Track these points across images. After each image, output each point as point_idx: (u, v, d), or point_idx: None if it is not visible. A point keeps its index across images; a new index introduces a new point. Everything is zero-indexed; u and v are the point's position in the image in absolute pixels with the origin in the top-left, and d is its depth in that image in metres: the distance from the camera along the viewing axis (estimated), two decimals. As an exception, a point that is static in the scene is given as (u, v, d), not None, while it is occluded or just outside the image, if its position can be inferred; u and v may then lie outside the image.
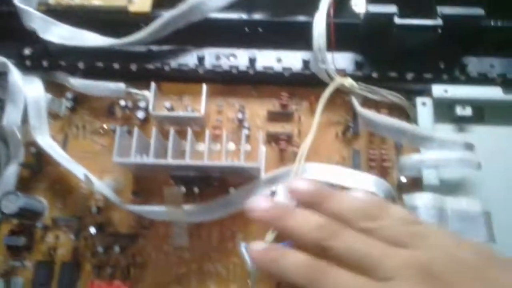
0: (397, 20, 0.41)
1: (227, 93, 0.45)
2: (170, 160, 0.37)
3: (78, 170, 0.40)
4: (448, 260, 0.26)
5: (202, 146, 0.42)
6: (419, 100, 0.43)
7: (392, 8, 0.41)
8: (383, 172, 0.42)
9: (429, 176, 0.40)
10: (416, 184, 0.40)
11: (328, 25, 0.42)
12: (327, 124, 0.44)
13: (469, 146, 0.39)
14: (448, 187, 0.40)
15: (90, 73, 0.44)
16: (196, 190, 0.40)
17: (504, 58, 0.44)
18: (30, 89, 0.41)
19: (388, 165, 0.42)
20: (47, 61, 0.43)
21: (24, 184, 0.41)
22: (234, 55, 0.44)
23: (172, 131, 0.39)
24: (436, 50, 0.43)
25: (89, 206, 0.41)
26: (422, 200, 0.37)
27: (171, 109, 0.43)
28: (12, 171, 0.40)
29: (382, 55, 0.44)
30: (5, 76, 0.42)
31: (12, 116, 0.40)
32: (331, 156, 0.43)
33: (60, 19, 0.43)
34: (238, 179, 0.41)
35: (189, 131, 0.39)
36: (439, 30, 0.41)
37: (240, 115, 0.44)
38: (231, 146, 0.43)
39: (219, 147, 0.43)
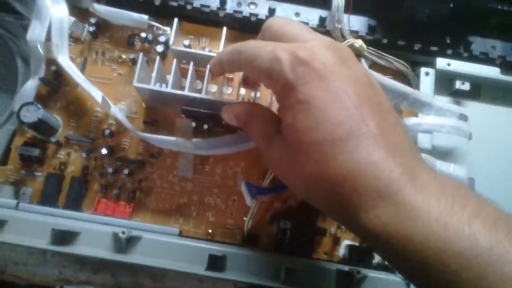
0: (413, -11, 0.43)
1: (244, 39, 0.45)
2: (187, 92, 0.39)
3: (95, 92, 0.41)
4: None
5: (215, 88, 0.44)
6: (423, 69, 0.45)
7: (410, -23, 0.43)
8: (381, 132, 0.45)
9: (424, 140, 0.43)
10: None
11: (348, -14, 0.44)
12: (334, 82, 0.46)
13: (463, 117, 0.42)
14: (439, 152, 0.43)
15: (115, 2, 0.45)
16: (205, 127, 0.43)
17: (506, 42, 0.47)
18: (55, 9, 0.42)
19: (386, 127, 0.45)
20: (74, -16, 0.44)
21: (41, 101, 0.43)
22: (255, 4, 0.46)
23: (191, 65, 0.40)
24: (445, 25, 0.46)
25: (102, 129, 0.43)
26: None
27: (189, 47, 0.45)
28: (32, 85, 0.42)
29: (394, 22, 0.46)
30: (31, -7, 0.43)
31: (37, 32, 0.41)
32: (335, 112, 0.46)
33: None
34: (245, 122, 0.43)
35: (207, 68, 0.40)
36: (451, 4, 0.44)
37: (254, 62, 0.46)
38: (242, 91, 0.45)
39: (230, 90, 0.45)
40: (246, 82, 0.40)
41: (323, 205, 0.29)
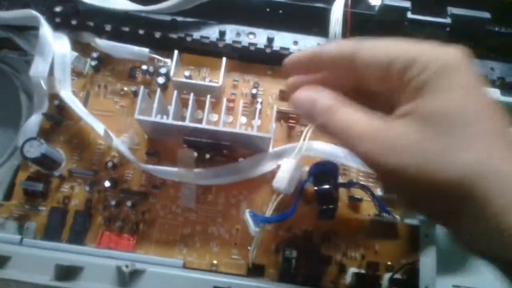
0: (410, 15, 0.44)
1: (243, 69, 0.47)
2: (188, 123, 0.40)
3: (97, 125, 0.42)
4: None
5: (216, 117, 0.45)
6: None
7: (406, 3, 0.44)
8: (383, 156, 0.45)
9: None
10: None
11: (345, 13, 0.45)
12: (334, 108, 0.46)
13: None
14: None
15: (116, 36, 0.46)
16: (207, 156, 0.43)
17: (505, 63, 0.47)
18: (58, 44, 0.43)
19: (389, 151, 0.45)
20: (76, 20, 0.45)
21: (44, 135, 0.43)
22: (253, 33, 0.46)
23: (192, 95, 0.41)
24: (443, 48, 0.46)
25: (105, 162, 0.43)
26: None
27: (190, 77, 0.45)
28: (36, 120, 0.42)
29: (392, 48, 0.47)
30: (34, 30, 0.44)
31: (40, 68, 0.42)
32: (336, 138, 0.46)
33: (92, -19, 0.45)
34: (246, 150, 0.44)
35: (208, 98, 0.41)
36: (447, 28, 0.44)
37: (254, 91, 0.46)
38: (243, 119, 0.45)
39: (231, 119, 0.46)
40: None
41: (452, 203, 0.24)
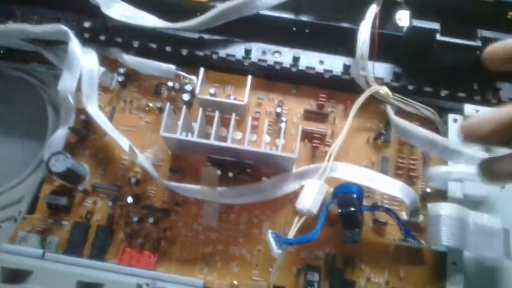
0: (439, 37, 0.43)
1: (268, 88, 0.47)
2: (212, 141, 0.39)
3: (122, 140, 0.42)
4: None
5: (240, 135, 0.45)
6: (451, 116, 0.45)
7: (435, 25, 0.43)
8: (409, 181, 0.44)
9: (454, 189, 0.41)
10: (440, 196, 0.42)
11: (372, 34, 0.44)
12: (359, 129, 0.46)
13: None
14: (471, 202, 0.41)
15: (143, 53, 0.46)
16: (230, 174, 0.43)
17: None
18: (86, 59, 0.44)
19: (415, 175, 0.44)
20: (105, 36, 0.46)
21: (70, 149, 0.44)
22: (279, 52, 0.46)
23: (217, 114, 0.41)
24: (472, 71, 0.45)
25: (128, 177, 0.43)
26: (446, 209, 0.38)
27: (215, 95, 0.45)
28: (62, 134, 0.43)
29: (420, 69, 0.46)
30: (62, 45, 0.45)
31: (68, 83, 0.42)
32: (361, 160, 0.45)
33: (121, -3, 0.45)
34: (270, 170, 0.43)
35: (233, 116, 0.41)
36: (478, 51, 0.43)
37: (279, 110, 0.46)
38: (267, 138, 0.45)
39: (255, 137, 0.45)
40: None
41: None
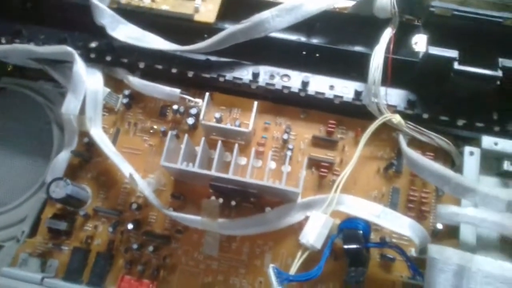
0: (456, 66, 0.41)
1: (276, 112, 0.46)
2: (214, 172, 0.38)
3: (125, 167, 0.41)
4: None
5: (244, 161, 0.43)
6: (467, 149, 0.42)
7: (453, 53, 0.41)
8: (420, 215, 0.42)
9: (467, 233, 0.39)
10: (452, 233, 0.40)
11: (386, 59, 0.42)
12: (370, 158, 0.44)
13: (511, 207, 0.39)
14: (485, 246, 0.39)
15: (149, 74, 0.45)
16: (233, 203, 0.41)
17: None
18: (91, 80, 0.43)
19: (426, 209, 0.42)
20: (111, 56, 0.45)
21: (72, 171, 0.43)
22: (288, 76, 0.45)
23: (219, 143, 0.40)
24: (491, 100, 0.43)
25: (129, 202, 0.42)
26: (441, 254, 0.35)
27: (220, 119, 0.44)
28: (64, 157, 0.43)
29: (435, 97, 0.44)
30: (68, 64, 0.44)
31: (71, 105, 0.42)
32: (370, 190, 0.43)
33: (128, 18, 0.45)
34: (274, 199, 0.42)
35: (236, 147, 0.40)
36: (498, 82, 0.41)
37: (285, 136, 0.44)
38: (272, 164, 0.43)
39: (260, 163, 0.44)
40: None
41: None
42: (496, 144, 0.42)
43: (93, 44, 0.45)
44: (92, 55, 0.45)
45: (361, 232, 0.38)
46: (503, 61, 0.41)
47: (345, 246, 0.38)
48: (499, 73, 0.41)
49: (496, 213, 0.37)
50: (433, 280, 0.34)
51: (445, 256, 0.35)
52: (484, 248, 0.38)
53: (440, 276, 0.34)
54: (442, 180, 0.39)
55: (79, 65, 0.43)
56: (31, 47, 0.44)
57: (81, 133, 0.44)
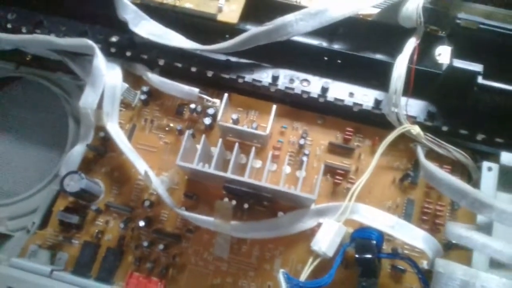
0: (480, 80, 0.40)
1: (293, 116, 0.46)
2: (230, 174, 0.38)
3: (139, 163, 0.41)
4: None
5: (259, 164, 0.43)
6: (485, 164, 0.42)
7: (477, 67, 0.40)
8: (434, 228, 0.41)
9: (479, 258, 0.39)
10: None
11: (408, 69, 0.42)
12: (386, 167, 0.44)
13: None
14: (499, 265, 0.38)
15: (168, 71, 0.45)
16: (246, 206, 0.41)
17: None
18: (110, 75, 0.43)
19: (441, 222, 0.42)
20: (131, 52, 0.45)
21: (86, 165, 0.43)
22: (307, 81, 0.44)
23: (236, 146, 0.39)
24: (513, 116, 0.42)
25: (142, 199, 0.42)
26: (447, 269, 0.35)
27: (237, 121, 0.44)
28: (79, 150, 0.42)
29: (456, 110, 0.43)
30: (88, 57, 0.44)
31: (89, 99, 0.42)
32: (384, 200, 0.43)
33: (150, 14, 0.44)
34: (288, 203, 0.42)
35: (252, 150, 0.39)
36: (522, 98, 0.40)
37: (302, 141, 0.44)
38: (287, 169, 0.43)
39: (275, 167, 0.44)
40: None
41: None
42: (515, 160, 0.41)
43: (113, 39, 0.45)
44: (113, 50, 0.45)
45: (374, 242, 0.38)
46: (528, 77, 0.40)
47: (357, 256, 0.37)
48: (523, 89, 0.40)
49: (500, 241, 0.36)
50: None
51: (450, 270, 0.35)
52: (498, 268, 0.37)
53: None
54: (460, 194, 0.39)
55: (100, 59, 0.43)
56: (52, 38, 0.44)
57: (97, 127, 0.43)
